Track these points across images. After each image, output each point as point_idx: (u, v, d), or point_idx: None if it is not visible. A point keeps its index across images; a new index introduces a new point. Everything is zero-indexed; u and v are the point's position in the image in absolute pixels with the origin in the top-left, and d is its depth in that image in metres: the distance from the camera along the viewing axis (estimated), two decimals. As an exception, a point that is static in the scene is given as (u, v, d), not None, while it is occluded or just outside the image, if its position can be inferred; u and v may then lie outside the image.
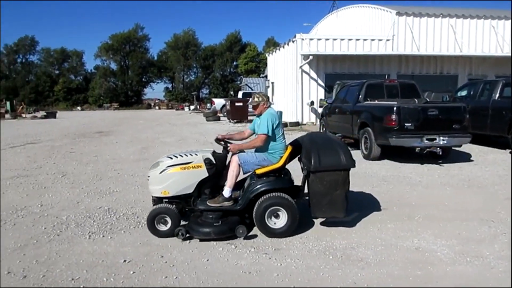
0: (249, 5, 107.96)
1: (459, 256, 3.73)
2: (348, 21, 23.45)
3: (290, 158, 4.69)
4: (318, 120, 15.45)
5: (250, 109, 22.85)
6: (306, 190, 4.57)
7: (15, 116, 35.24)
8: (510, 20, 18.72)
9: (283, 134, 4.61)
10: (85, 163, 9.03)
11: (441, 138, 8.12)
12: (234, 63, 66.02)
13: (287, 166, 4.65)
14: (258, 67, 59.09)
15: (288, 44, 19.67)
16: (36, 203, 5.69)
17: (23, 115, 36.80)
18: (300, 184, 4.61)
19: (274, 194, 4.31)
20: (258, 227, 4.33)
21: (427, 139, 8.11)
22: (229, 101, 22.24)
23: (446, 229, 4.44)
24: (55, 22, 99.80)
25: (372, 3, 21.32)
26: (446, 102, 10.98)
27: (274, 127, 4.48)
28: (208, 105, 41.55)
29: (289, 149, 4.63)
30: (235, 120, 21.11)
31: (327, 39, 18.11)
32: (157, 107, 56.32)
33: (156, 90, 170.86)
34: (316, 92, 17.98)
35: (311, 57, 17.37)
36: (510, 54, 17.55)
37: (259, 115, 4.67)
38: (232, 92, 54.90)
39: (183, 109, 46.77)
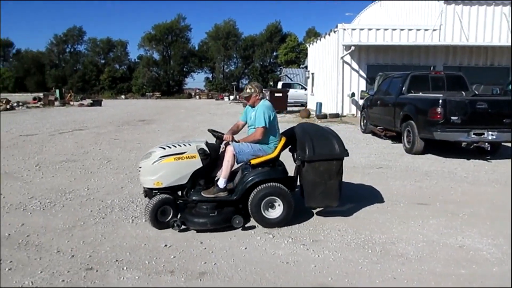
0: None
1: (507, 256, 3.57)
2: (393, 10, 22.69)
3: (282, 149, 4.67)
4: (359, 112, 15.17)
5: (290, 99, 22.79)
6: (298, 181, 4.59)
7: (64, 103, 36.87)
8: None
9: (277, 124, 4.62)
10: (128, 150, 9.33)
11: (490, 133, 7.76)
12: (274, 53, 65.74)
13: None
14: (298, 58, 58.54)
15: (329, 35, 19.34)
16: (83, 187, 5.96)
17: (71, 103, 38.45)
18: (293, 174, 4.62)
19: (269, 184, 4.30)
20: (253, 217, 4.32)
21: (474, 134, 7.77)
22: (268, 91, 22.17)
23: (493, 228, 4.26)
24: (102, 12, 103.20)
25: (419, -9, 20.51)
26: (496, 95, 10.47)
27: (271, 118, 4.48)
28: (248, 95, 41.64)
29: (283, 139, 4.62)
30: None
31: (370, 29, 17.65)
32: (197, 97, 57.11)
33: (196, 80, 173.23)
34: (357, 83, 17.61)
35: (352, 48, 17.00)
36: None
37: (252, 106, 4.65)
38: (271, 83, 54.73)
39: (222, 99, 47.15)
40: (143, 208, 4.88)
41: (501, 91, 11.58)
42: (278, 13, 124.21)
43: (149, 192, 4.41)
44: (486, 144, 7.82)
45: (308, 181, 4.31)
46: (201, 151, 4.37)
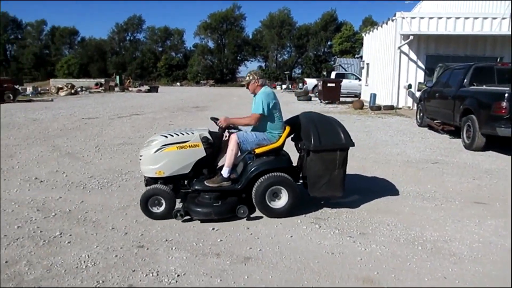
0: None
1: None
2: (458, -3, 21.41)
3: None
4: (415, 105, 14.56)
5: (343, 90, 22.33)
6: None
7: (123, 89, 38.58)
8: None
9: (280, 113, 4.47)
10: (181, 136, 9.59)
11: (561, 130, 7.16)
12: (329, 42, 64.57)
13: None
14: (353, 48, 57.07)
15: (386, 23, 18.63)
16: (138, 169, 6.19)
17: (130, 89, 40.15)
18: (296, 164, 4.54)
19: (274, 173, 4.22)
20: (257, 207, 4.25)
21: (543, 131, 7.21)
22: (321, 81, 21.86)
23: (558, 232, 3.96)
24: (161, 2, 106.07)
25: (488, -23, 19.18)
26: None
27: (271, 106, 4.32)
28: (300, 84, 41.33)
29: (288, 128, 4.50)
30: (326, 101, 20.75)
31: (430, 18, 16.75)
32: (249, 86, 57.43)
33: (249, 68, 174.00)
34: (415, 74, 16.85)
35: (411, 37, 16.26)
36: None
37: (254, 94, 4.50)
38: (324, 73, 53.85)
39: (275, 88, 47.10)
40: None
41: None
42: (334, 2, 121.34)
43: (150, 182, 4.34)
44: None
45: (312, 171, 4.22)
46: (204, 140, 4.27)
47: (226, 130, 4.45)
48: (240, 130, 4.50)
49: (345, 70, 35.27)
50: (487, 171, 6.51)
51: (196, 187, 4.23)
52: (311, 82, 29.63)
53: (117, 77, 46.83)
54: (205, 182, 4.21)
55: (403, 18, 16.63)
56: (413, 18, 16.81)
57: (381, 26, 19.83)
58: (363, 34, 26.57)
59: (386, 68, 18.32)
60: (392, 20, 17.38)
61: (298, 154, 4.64)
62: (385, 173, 6.23)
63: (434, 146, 8.63)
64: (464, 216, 4.36)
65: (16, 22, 74.91)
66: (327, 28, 63.67)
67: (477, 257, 3.39)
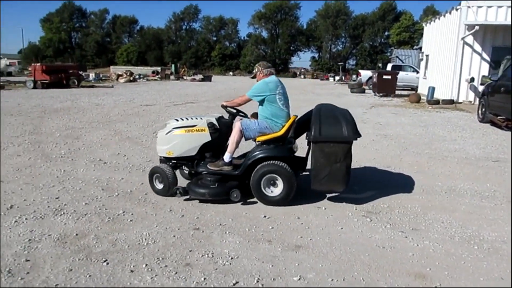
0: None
1: None
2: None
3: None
4: (477, 99, 13.84)
5: (399, 82, 21.62)
6: None
7: (178, 77, 39.66)
8: None
9: (285, 102, 4.48)
10: (234, 124, 9.80)
11: None
12: (386, 33, 62.45)
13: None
14: (412, 38, 54.83)
15: (450, 13, 17.72)
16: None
17: (184, 77, 41.19)
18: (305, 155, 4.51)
19: (272, 162, 4.25)
20: (253, 193, 4.33)
21: None
22: (376, 73, 21.28)
23: None
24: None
25: None
26: None
27: (268, 94, 4.37)
28: (354, 76, 40.44)
29: (292, 118, 4.49)
30: (381, 94, 20.20)
31: (499, 6, 15.71)
32: (302, 76, 57.07)
33: (302, 59, 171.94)
34: (479, 67, 15.95)
35: (477, 28, 15.35)
36: None
37: None
38: (380, 64, 52.24)
39: (327, 79, 46.49)
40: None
41: None
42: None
43: (163, 161, 4.68)
44: None
45: (314, 162, 4.16)
46: (210, 125, 4.48)
47: (237, 118, 4.65)
48: (248, 117, 4.67)
49: (402, 62, 33.98)
50: (554, 172, 6.12)
51: (200, 169, 4.51)
52: (365, 74, 28.87)
53: (173, 65, 48.20)
54: (207, 166, 4.45)
55: (469, 7, 15.75)
56: (480, 7, 15.88)
57: (444, 16, 18.90)
58: (423, 24, 25.47)
59: (447, 60, 17.49)
60: (457, 9, 16.51)
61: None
62: (441, 169, 6.04)
63: (496, 144, 8.20)
64: (526, 218, 4.17)
65: (81, 11, 78.98)
66: (385, 18, 61.53)
67: (538, 261, 3.25)
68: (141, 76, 37.60)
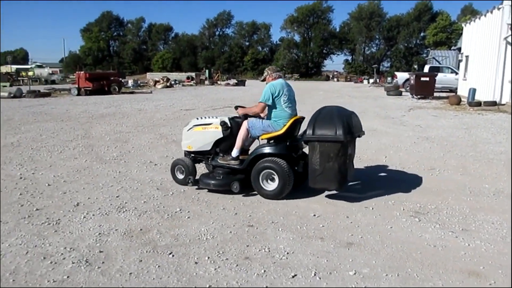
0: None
1: None
2: None
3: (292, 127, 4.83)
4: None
5: (437, 84, 21.18)
6: None
7: (212, 82, 40.38)
8: None
9: (288, 103, 4.78)
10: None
11: None
12: (421, 34, 61.08)
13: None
14: (449, 39, 53.36)
15: (491, 12, 17.26)
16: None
17: (218, 82, 41.82)
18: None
19: (270, 158, 4.60)
20: (253, 187, 4.70)
21: None
22: (413, 75, 20.92)
23: None
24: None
25: None
26: None
27: (274, 96, 4.71)
28: (389, 78, 39.83)
29: (293, 118, 4.78)
30: (418, 96, 19.85)
31: (545, 5, 15.21)
32: (335, 79, 56.66)
33: (335, 62, 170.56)
34: (523, 68, 15.45)
35: (520, 27, 14.91)
36: None
37: None
38: (416, 66, 51.14)
39: (361, 82, 45.97)
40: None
41: None
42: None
43: (186, 154, 5.27)
44: None
45: (309, 161, 4.38)
46: (223, 124, 4.96)
47: (248, 118, 5.03)
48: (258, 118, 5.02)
49: (439, 63, 33.18)
50: None
51: (213, 163, 5.02)
52: (401, 76, 28.40)
53: (207, 71, 49.08)
54: (218, 159, 4.95)
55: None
56: (523, 6, 15.39)
57: (484, 15, 18.43)
58: (462, 25, 24.87)
59: (488, 61, 17.04)
60: (498, 9, 16.09)
61: None
62: (487, 172, 5.98)
63: (544, 146, 7.98)
64: None
65: (119, 20, 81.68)
66: (421, 19, 60.22)
67: None
68: (177, 81, 38.51)
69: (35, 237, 3.57)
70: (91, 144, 7.97)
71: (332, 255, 3.27)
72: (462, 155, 7.05)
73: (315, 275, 2.95)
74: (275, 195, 4.59)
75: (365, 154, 7.04)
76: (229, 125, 4.98)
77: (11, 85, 28.29)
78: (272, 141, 4.82)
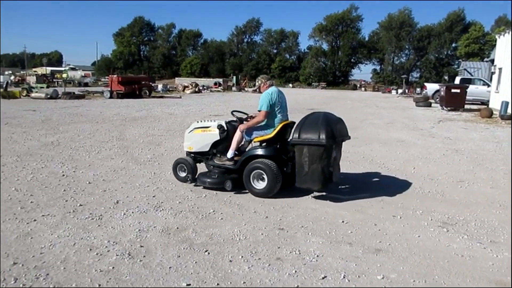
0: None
1: None
2: None
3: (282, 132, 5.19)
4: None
5: (468, 96, 20.83)
6: None
7: (240, 89, 40.77)
8: None
9: (280, 110, 5.16)
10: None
11: None
12: (453, 44, 59.90)
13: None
14: (482, 50, 52.24)
15: (527, 25, 16.91)
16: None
17: (246, 89, 42.18)
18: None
19: (260, 159, 4.97)
20: (245, 185, 5.05)
21: None
22: (444, 87, 20.66)
23: None
24: (278, 3, 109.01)
25: None
26: None
27: (272, 103, 5.08)
28: (418, 89, 39.30)
29: (282, 123, 5.13)
30: (448, 108, 19.59)
31: None
32: (362, 89, 56.24)
33: (363, 71, 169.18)
34: (559, 82, 15.08)
35: (557, 40, 14.58)
36: None
37: None
38: (446, 77, 50.30)
39: (390, 92, 45.47)
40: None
41: None
42: (462, 1, 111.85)
43: (188, 154, 5.67)
44: None
45: (296, 162, 4.73)
46: (220, 127, 5.41)
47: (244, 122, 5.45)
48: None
49: (471, 75, 32.55)
50: None
51: (210, 163, 5.45)
52: (431, 87, 28.00)
53: (234, 77, 49.61)
54: (214, 160, 5.38)
55: (548, 19, 14.96)
56: (560, 19, 15.02)
57: (519, 28, 18.06)
58: (496, 36, 24.37)
59: (522, 74, 16.67)
60: (534, 22, 15.73)
61: None
62: (519, 186, 5.94)
63: None
64: None
65: (150, 26, 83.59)
66: (453, 29, 59.09)
67: None
68: (205, 87, 39.13)
69: (80, 230, 3.84)
70: (125, 146, 8.31)
71: (360, 260, 3.39)
72: (492, 169, 7.01)
73: (344, 277, 3.08)
74: (264, 194, 4.95)
75: (393, 165, 7.09)
76: (226, 128, 5.44)
77: (47, 87, 29.43)
78: (264, 143, 5.17)
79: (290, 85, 61.66)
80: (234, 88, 41.43)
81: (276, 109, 5.16)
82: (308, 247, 3.61)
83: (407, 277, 3.12)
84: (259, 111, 5.16)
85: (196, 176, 5.45)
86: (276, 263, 3.27)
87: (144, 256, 3.33)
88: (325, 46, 69.28)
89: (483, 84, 25.42)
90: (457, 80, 26.83)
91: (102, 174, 5.98)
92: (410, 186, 5.85)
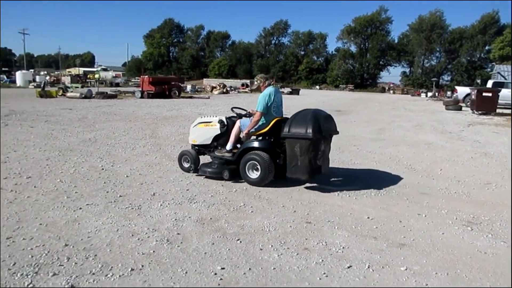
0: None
1: None
2: None
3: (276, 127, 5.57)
4: None
5: (501, 100, 20.39)
6: None
7: (267, 90, 40.95)
8: None
9: (275, 107, 5.61)
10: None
11: None
12: (486, 47, 58.37)
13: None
14: (516, 53, 50.66)
15: None
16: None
17: (273, 90, 42.37)
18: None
19: (255, 151, 5.42)
20: (241, 175, 5.50)
21: None
22: (475, 90, 20.29)
23: None
24: (306, 5, 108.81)
25: None
26: None
27: (269, 103, 5.52)
28: (448, 93, 38.53)
29: (275, 119, 5.55)
30: (479, 112, 19.23)
31: None
32: (391, 91, 55.59)
33: (392, 74, 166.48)
34: None
35: None
36: None
37: None
38: (478, 81, 49.02)
39: (419, 95, 44.81)
40: (346, 186, 5.62)
41: None
42: (497, 2, 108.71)
43: (193, 147, 6.20)
44: None
45: (286, 154, 5.18)
46: (220, 122, 5.94)
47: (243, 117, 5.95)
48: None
49: (505, 79, 31.67)
50: None
51: (212, 155, 5.96)
52: (462, 90, 27.45)
53: (262, 78, 49.83)
54: (215, 152, 5.90)
55: None
56: None
57: (556, 31, 17.56)
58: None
59: (558, 78, 16.21)
60: None
61: None
62: (548, 189, 5.92)
63: None
64: None
65: (180, 27, 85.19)
66: (486, 31, 57.67)
67: None
68: (232, 88, 39.59)
69: (122, 218, 4.15)
70: (158, 143, 8.68)
71: (385, 253, 3.55)
72: (521, 172, 6.97)
73: (368, 267, 3.26)
74: (257, 183, 5.39)
75: (419, 166, 7.16)
76: (226, 123, 5.95)
77: (82, 87, 30.54)
78: (260, 137, 5.59)
79: (317, 87, 61.60)
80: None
81: (272, 107, 5.62)
82: (334, 239, 3.80)
83: (430, 269, 3.27)
84: (257, 110, 5.60)
85: (199, 167, 5.95)
86: (304, 253, 3.48)
87: (182, 242, 3.60)
88: (353, 48, 69.02)
89: (517, 88, 24.72)
90: (489, 84, 26.22)
91: (138, 169, 6.33)
92: (436, 186, 5.92)
